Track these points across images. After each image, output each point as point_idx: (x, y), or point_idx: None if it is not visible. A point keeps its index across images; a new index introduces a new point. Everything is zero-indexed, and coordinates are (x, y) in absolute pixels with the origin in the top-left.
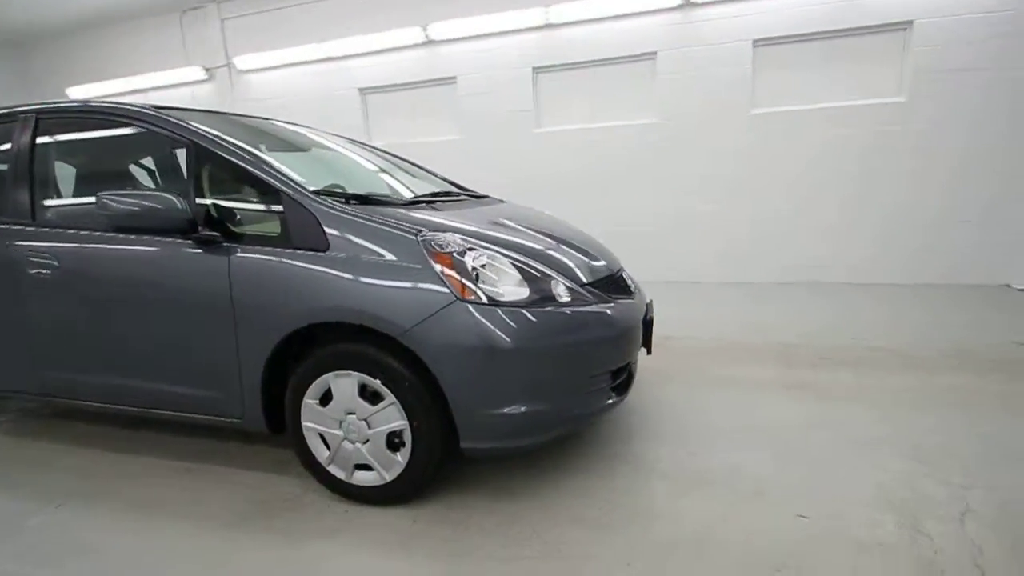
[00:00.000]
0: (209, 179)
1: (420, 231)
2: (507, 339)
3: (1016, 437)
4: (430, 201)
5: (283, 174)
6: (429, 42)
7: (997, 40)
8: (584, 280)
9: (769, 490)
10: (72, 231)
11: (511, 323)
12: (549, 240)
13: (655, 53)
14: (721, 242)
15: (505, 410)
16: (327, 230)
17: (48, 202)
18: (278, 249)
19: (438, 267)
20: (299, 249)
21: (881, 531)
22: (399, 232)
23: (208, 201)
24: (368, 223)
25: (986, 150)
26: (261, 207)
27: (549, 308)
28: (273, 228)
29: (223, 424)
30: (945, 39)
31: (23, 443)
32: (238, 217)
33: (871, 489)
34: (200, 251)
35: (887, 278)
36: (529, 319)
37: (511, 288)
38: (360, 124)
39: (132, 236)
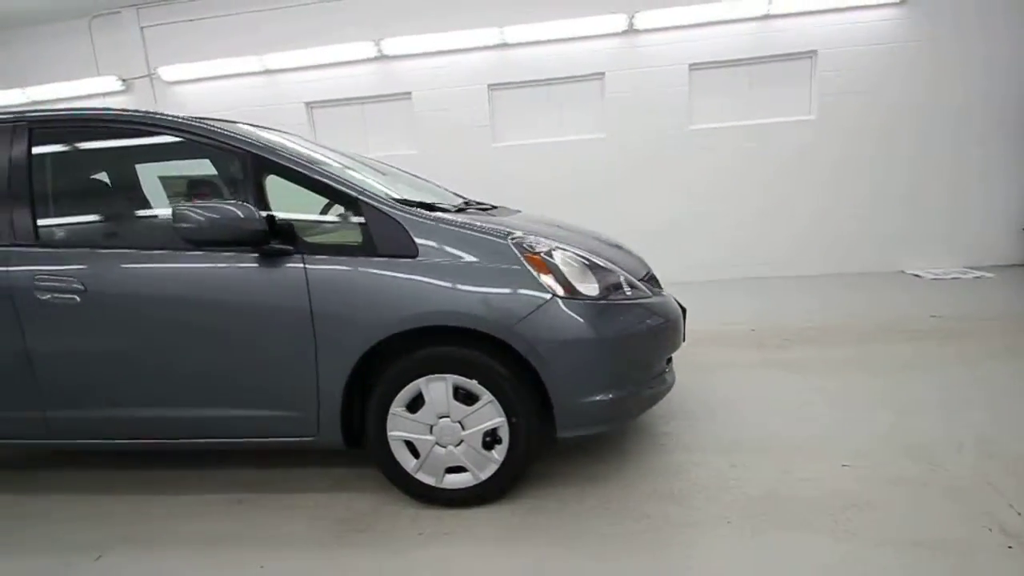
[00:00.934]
0: (270, 190)
1: (509, 234)
2: (600, 331)
3: (965, 386)
4: (463, 209)
5: (359, 184)
6: (382, 57)
7: (886, 67)
8: (640, 275)
9: (804, 448)
10: (105, 251)
11: (600, 316)
12: (595, 241)
13: (603, 74)
14: (664, 245)
15: (598, 397)
16: (415, 237)
17: (58, 220)
18: (361, 258)
19: (532, 267)
20: (386, 257)
21: (907, 470)
22: (489, 236)
23: (279, 213)
24: (455, 229)
25: (880, 158)
26: (336, 217)
27: (628, 301)
28: (352, 237)
29: (289, 446)
30: (845, 66)
31: (40, 493)
32: (310, 228)
33: (880, 439)
34: (270, 264)
35: (805, 270)
36: (614, 311)
37: (590, 284)
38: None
39: (182, 252)
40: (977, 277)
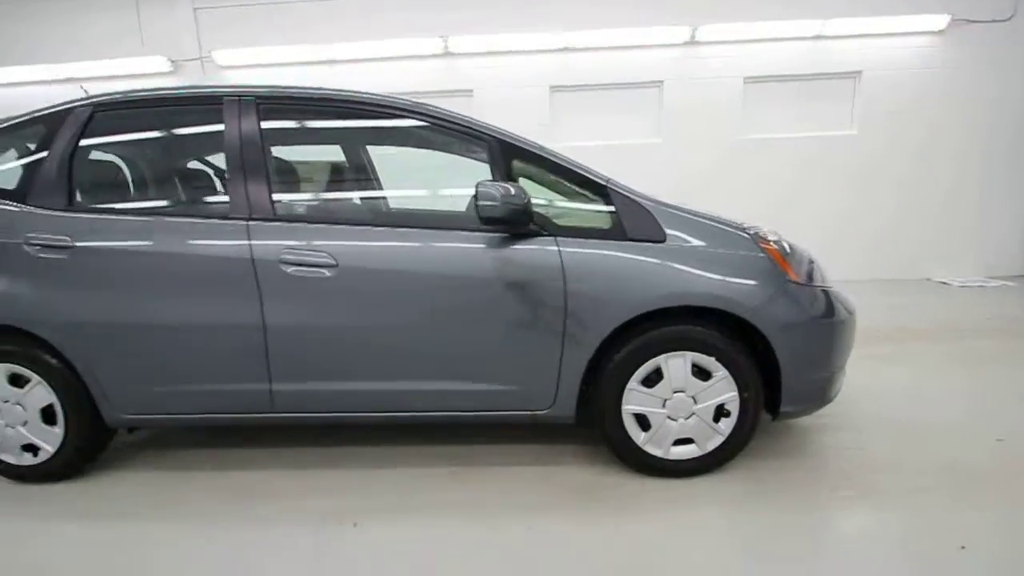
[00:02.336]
0: (514, 176)
1: (743, 224)
2: (826, 314)
3: None
4: None
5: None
6: (447, 54)
7: (924, 89)
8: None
9: (959, 429)
10: (355, 227)
11: (822, 300)
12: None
13: (662, 82)
14: None
15: (817, 377)
16: (662, 224)
17: (298, 196)
18: (613, 241)
19: (768, 255)
20: (636, 241)
21: None
22: (727, 226)
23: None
24: (698, 219)
25: (914, 173)
26: (584, 202)
27: (832, 288)
28: (602, 221)
29: (517, 419)
30: (886, 86)
31: (266, 469)
32: (559, 211)
33: (1017, 418)
34: (524, 244)
35: (837, 275)
36: (829, 296)
37: (803, 270)
38: None
39: (432, 230)
40: (999, 286)
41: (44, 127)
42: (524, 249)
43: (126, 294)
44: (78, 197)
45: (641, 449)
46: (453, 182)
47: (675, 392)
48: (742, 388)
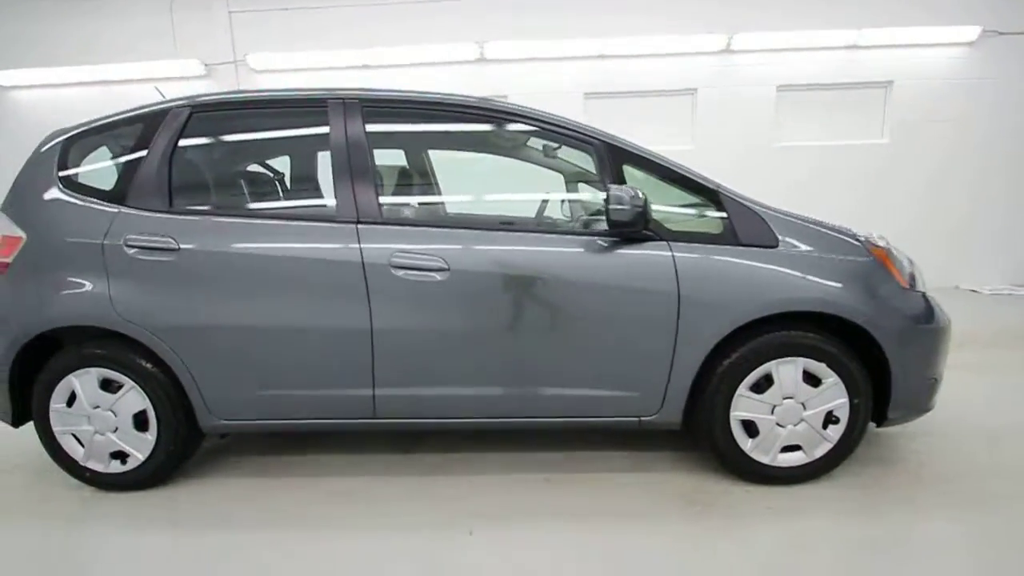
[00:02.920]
0: (624, 180)
1: (851, 230)
2: (935, 320)
3: None
4: None
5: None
6: (482, 59)
7: (954, 100)
8: None
9: None
10: (470, 231)
11: (929, 306)
12: None
13: (696, 89)
14: None
15: (925, 382)
16: (774, 229)
17: (405, 199)
18: (726, 247)
19: (879, 260)
20: (748, 247)
21: None
22: (837, 232)
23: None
24: (808, 225)
25: (943, 182)
26: (695, 207)
27: (932, 293)
28: (713, 226)
29: (619, 426)
30: (917, 96)
31: (365, 476)
32: (669, 216)
33: None
34: (637, 249)
35: None
36: (933, 302)
37: (908, 275)
38: None
39: (542, 234)
40: None
41: (140, 127)
42: (637, 253)
43: (231, 297)
44: (178, 199)
45: (748, 456)
46: (559, 186)
47: (785, 398)
48: (852, 394)
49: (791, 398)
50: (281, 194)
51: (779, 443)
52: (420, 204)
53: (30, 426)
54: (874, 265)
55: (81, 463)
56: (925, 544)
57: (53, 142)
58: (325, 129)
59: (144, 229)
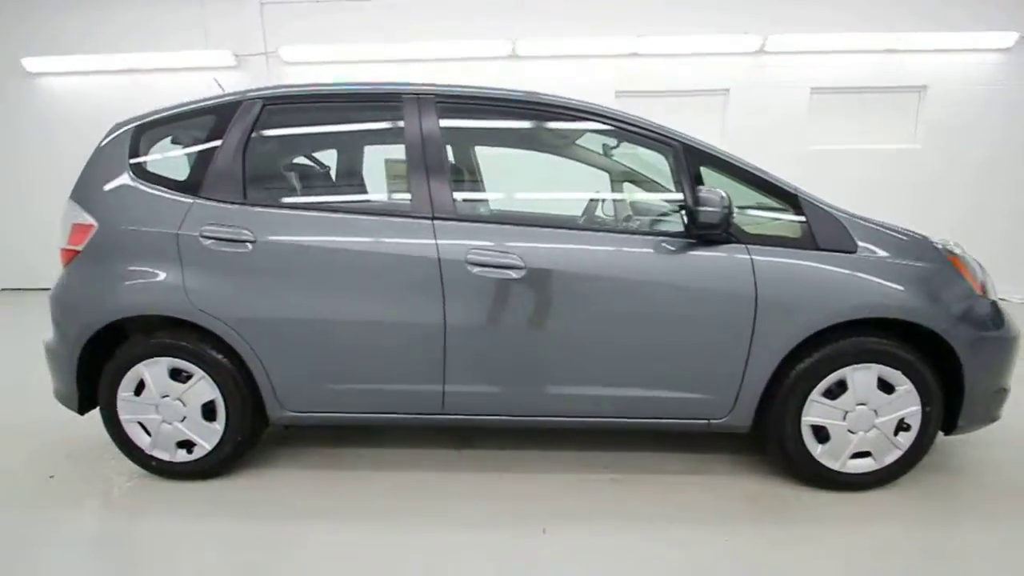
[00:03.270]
0: (703, 182)
1: (927, 236)
2: (1008, 328)
3: None
4: None
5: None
6: (514, 56)
7: (989, 105)
8: None
9: None
10: (547, 230)
11: (1002, 314)
12: None
13: (728, 90)
14: None
15: (995, 391)
16: (853, 234)
17: (481, 196)
18: (804, 251)
19: (955, 267)
20: (826, 251)
21: None
22: (916, 238)
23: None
24: (886, 230)
25: (976, 189)
26: (773, 210)
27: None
28: (791, 230)
29: (688, 427)
30: (951, 101)
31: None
32: (748, 219)
33: None
34: (715, 252)
35: None
36: (1005, 310)
37: (981, 282)
38: None
39: (619, 235)
40: None
41: (212, 119)
42: (716, 256)
43: (305, 290)
44: (252, 191)
45: (817, 461)
46: (643, 185)
47: (858, 404)
48: (925, 402)
49: (864, 404)
50: (356, 187)
51: (850, 449)
52: (495, 201)
53: (91, 414)
54: (950, 272)
55: (147, 452)
56: (995, 554)
57: (121, 131)
58: (400, 124)
59: (220, 220)
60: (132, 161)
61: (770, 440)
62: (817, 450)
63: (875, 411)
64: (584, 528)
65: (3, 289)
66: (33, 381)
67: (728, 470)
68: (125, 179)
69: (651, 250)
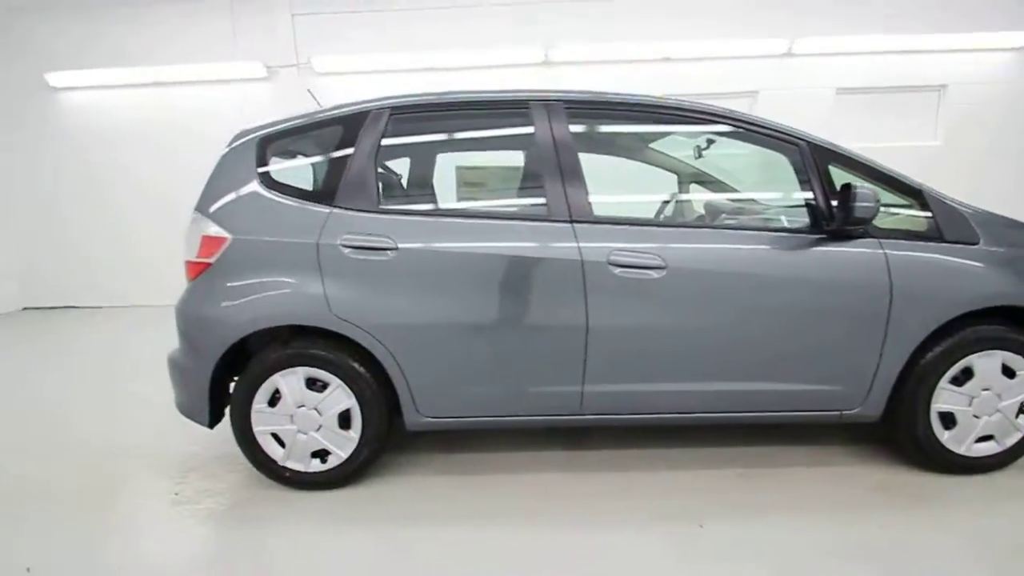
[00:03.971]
0: (832, 181)
1: None
2: None
3: None
4: None
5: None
6: (546, 63)
7: (1010, 103)
8: None
9: None
10: (684, 230)
11: None
12: None
13: (757, 92)
14: None
15: None
16: (976, 227)
17: (616, 198)
18: (932, 244)
19: None
20: (952, 243)
21: None
22: None
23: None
24: (1004, 222)
25: (996, 185)
26: (901, 206)
27: None
28: (919, 225)
29: (819, 419)
30: (971, 100)
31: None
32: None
33: None
34: (848, 247)
35: None
36: None
37: None
38: None
39: (754, 232)
40: None
41: (340, 129)
42: (851, 251)
43: (446, 296)
44: (385, 199)
45: (944, 446)
46: (762, 185)
47: (983, 390)
48: None
49: (988, 390)
50: (487, 193)
51: (975, 433)
52: (631, 202)
53: (197, 430)
54: None
55: (280, 463)
56: None
57: (244, 141)
58: (529, 130)
59: (359, 229)
60: (260, 171)
61: (899, 428)
62: (944, 436)
63: (999, 395)
64: (737, 522)
65: (27, 308)
66: (110, 400)
67: (851, 460)
68: (256, 190)
69: (785, 247)
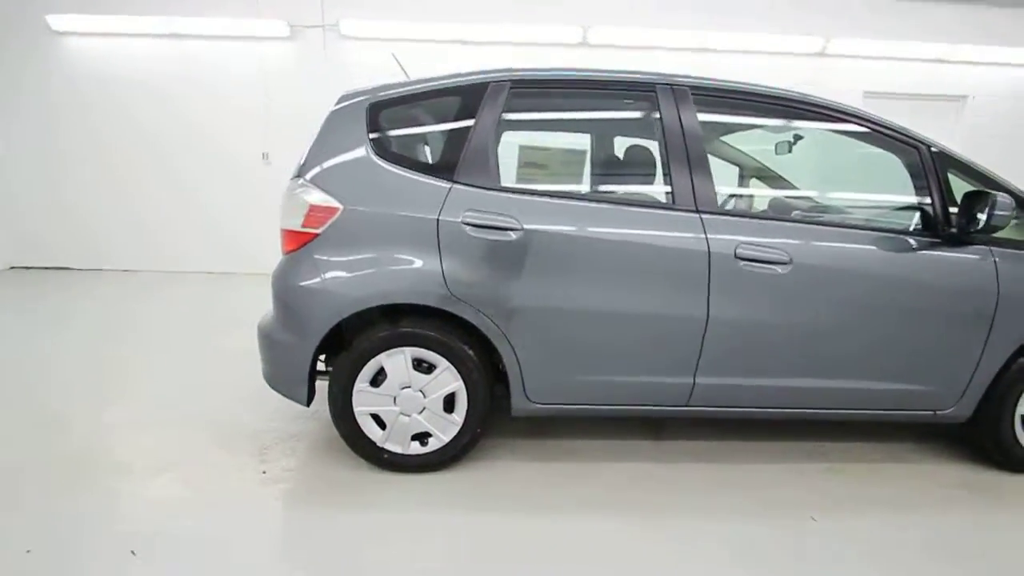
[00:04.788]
0: (951, 187)
1: None
2: None
3: None
4: None
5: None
6: (584, 44)
7: None
8: None
9: None
10: (812, 226)
11: None
12: None
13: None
14: None
15: None
16: None
17: (741, 191)
18: None
19: None
20: None
21: None
22: None
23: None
24: None
25: None
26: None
27: None
28: (1021, 233)
29: (911, 419)
30: (990, 111)
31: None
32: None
33: None
34: (959, 252)
35: None
36: None
37: None
38: None
39: (872, 233)
40: None
41: (457, 99)
42: (963, 257)
43: (568, 280)
44: (506, 177)
45: (1023, 446)
46: (884, 187)
47: None
48: None
49: None
50: (606, 177)
51: None
52: (756, 196)
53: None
54: None
55: (379, 444)
56: None
57: (350, 103)
58: (653, 114)
59: (482, 206)
60: (372, 139)
61: (983, 429)
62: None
63: None
64: (842, 516)
65: (15, 268)
66: (172, 373)
67: (926, 457)
68: (370, 159)
69: (901, 249)
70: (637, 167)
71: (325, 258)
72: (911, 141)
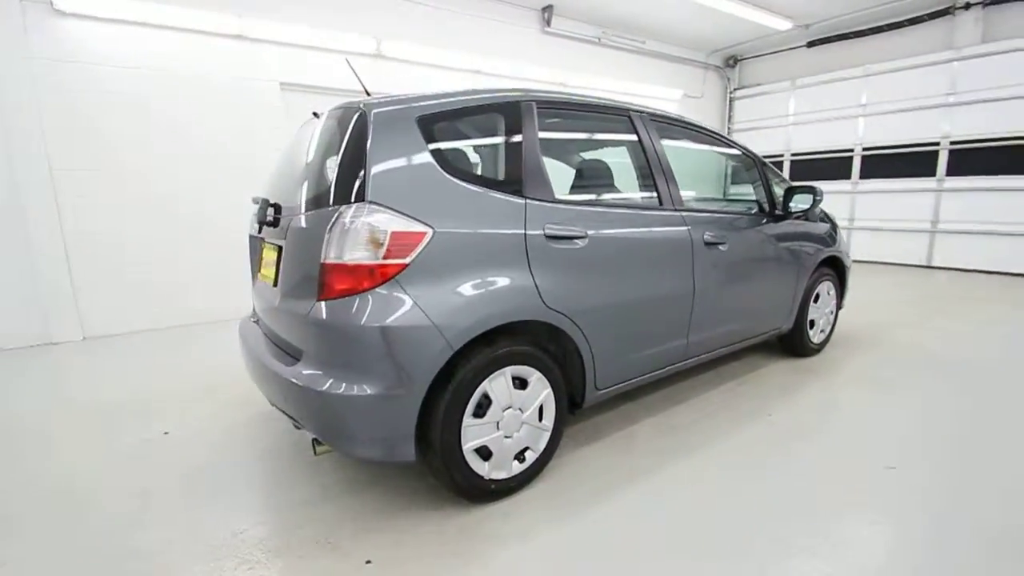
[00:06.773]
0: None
1: None
2: None
3: None
4: None
5: None
6: (378, 55)
7: None
8: None
9: None
10: (732, 215)
11: None
12: None
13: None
14: None
15: None
16: None
17: (687, 193)
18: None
19: None
20: None
21: None
22: None
23: None
24: None
25: None
26: None
27: None
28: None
29: (768, 337)
30: None
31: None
32: None
33: None
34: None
35: None
36: None
37: None
38: None
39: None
40: None
41: (500, 116)
42: (786, 224)
43: (620, 275)
44: (556, 190)
45: None
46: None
47: None
48: None
49: None
50: (621, 185)
51: None
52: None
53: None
54: None
55: (486, 478)
56: None
57: (389, 117)
58: (633, 137)
59: (553, 219)
60: (434, 156)
61: (793, 334)
62: None
63: None
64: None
65: None
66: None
67: (772, 359)
68: (442, 176)
69: (761, 224)
70: (641, 178)
71: (421, 289)
72: (751, 154)
